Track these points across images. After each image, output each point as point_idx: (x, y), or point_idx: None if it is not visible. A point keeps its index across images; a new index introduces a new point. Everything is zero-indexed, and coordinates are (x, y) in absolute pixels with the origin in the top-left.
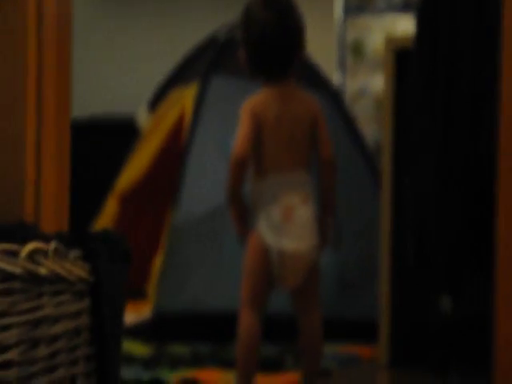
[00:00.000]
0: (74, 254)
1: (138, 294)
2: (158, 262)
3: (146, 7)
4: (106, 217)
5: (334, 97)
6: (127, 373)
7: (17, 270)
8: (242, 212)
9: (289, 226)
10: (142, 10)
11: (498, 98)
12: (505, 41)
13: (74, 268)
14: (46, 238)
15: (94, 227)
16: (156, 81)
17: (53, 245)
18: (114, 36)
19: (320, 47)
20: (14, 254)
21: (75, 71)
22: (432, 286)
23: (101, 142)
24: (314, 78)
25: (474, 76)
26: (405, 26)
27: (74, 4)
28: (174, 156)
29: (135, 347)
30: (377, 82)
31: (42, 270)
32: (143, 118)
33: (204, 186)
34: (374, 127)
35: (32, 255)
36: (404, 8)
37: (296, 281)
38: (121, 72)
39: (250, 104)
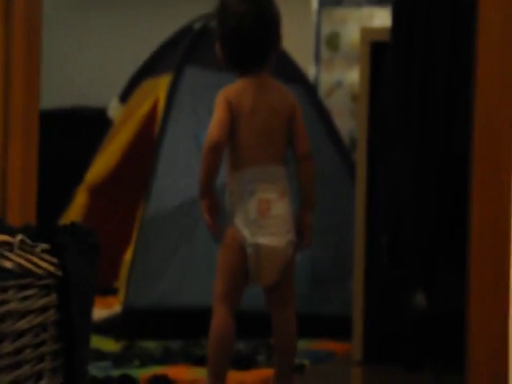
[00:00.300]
0: (41, 247)
1: (109, 289)
2: (128, 255)
3: None
4: (76, 209)
5: (308, 90)
6: (96, 369)
7: None
8: (215, 205)
9: (265, 221)
10: (116, 2)
11: (473, 91)
12: (480, 33)
13: (41, 262)
14: (11, 231)
15: (62, 220)
16: (129, 72)
17: (19, 238)
18: (87, 27)
19: (296, 40)
20: None
21: (48, 62)
22: (406, 283)
23: (72, 133)
24: (289, 71)
25: (450, 69)
26: (381, 19)
27: None
28: (146, 147)
29: (105, 343)
30: (352, 75)
31: (7, 264)
32: (114, 109)
33: (176, 179)
34: (349, 120)
35: None
36: (381, 1)
37: (272, 277)
38: (94, 63)
39: (226, 92)
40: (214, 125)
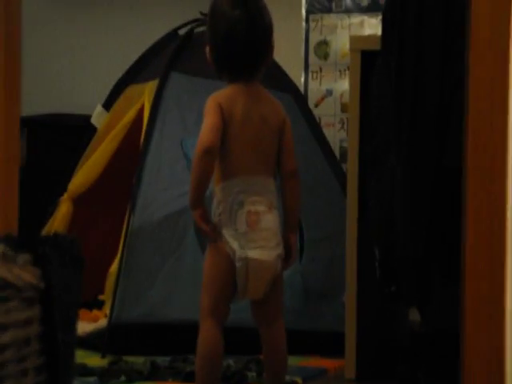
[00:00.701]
0: (23, 258)
1: (95, 303)
2: (114, 267)
3: (105, 5)
4: (59, 220)
5: (298, 99)
6: None
7: None
8: (207, 215)
9: (254, 234)
10: (102, 8)
11: (465, 98)
12: (472, 40)
13: (23, 273)
14: None
15: (45, 230)
16: (114, 79)
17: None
18: (71, 32)
19: (286, 47)
20: None
21: (33, 69)
22: (400, 298)
23: (55, 141)
24: (279, 79)
25: (442, 75)
26: (372, 27)
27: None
28: (131, 155)
29: (90, 358)
30: (342, 84)
31: None
32: (99, 116)
33: (163, 188)
34: (339, 130)
35: None
36: (371, 9)
37: (260, 291)
38: (78, 69)
39: (217, 98)
40: (207, 129)
